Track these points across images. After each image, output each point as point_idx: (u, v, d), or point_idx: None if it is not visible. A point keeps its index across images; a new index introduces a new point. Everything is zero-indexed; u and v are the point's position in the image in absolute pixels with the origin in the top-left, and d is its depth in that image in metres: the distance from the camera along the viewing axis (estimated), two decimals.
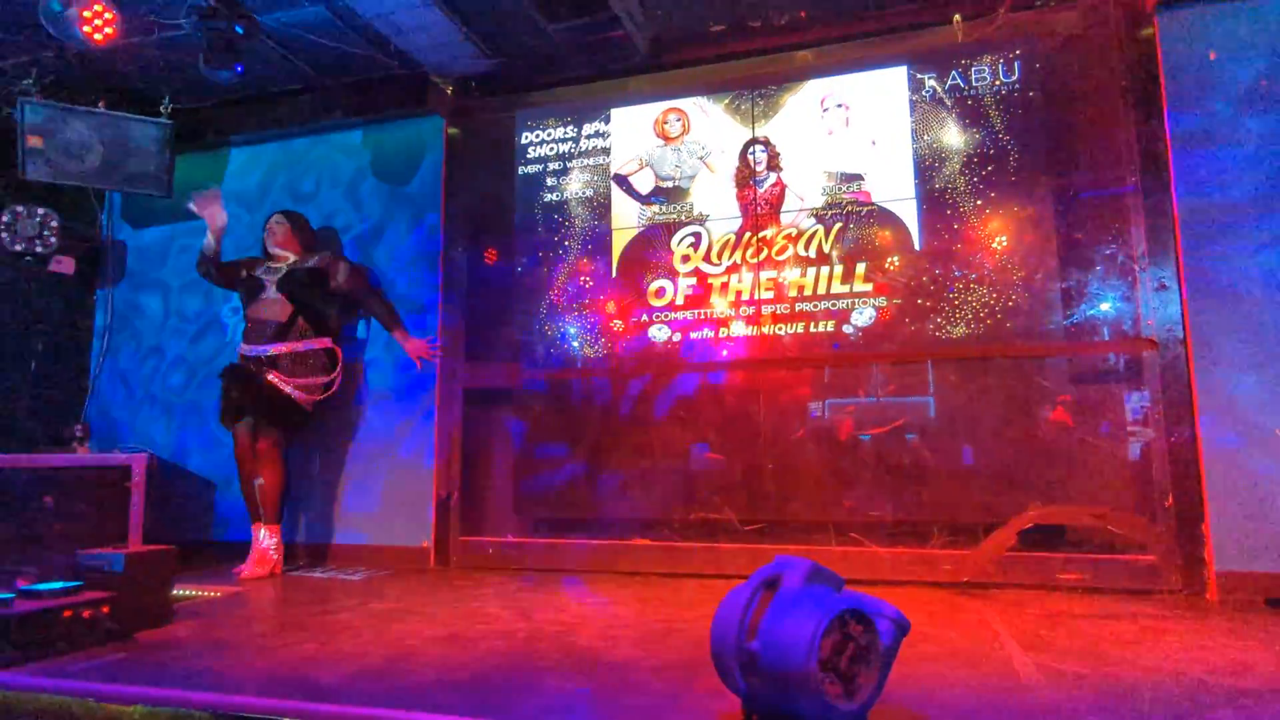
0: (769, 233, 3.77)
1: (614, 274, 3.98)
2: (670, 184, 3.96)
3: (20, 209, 4.26)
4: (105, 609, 2.33)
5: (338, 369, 3.96)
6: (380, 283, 4.27)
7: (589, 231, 4.05)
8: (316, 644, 2.35)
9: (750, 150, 3.87)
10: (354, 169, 4.45)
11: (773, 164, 3.83)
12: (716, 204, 3.87)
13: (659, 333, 3.86)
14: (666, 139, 4.01)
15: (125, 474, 3.93)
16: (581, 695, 1.90)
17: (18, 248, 4.27)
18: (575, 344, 3.99)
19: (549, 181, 4.16)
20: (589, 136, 4.13)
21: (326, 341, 3.92)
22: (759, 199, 3.82)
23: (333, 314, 4.00)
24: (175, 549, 2.69)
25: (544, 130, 4.21)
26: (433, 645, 2.33)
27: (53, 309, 4.60)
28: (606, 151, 4.08)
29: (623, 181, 4.04)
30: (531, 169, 4.21)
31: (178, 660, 2.21)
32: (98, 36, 3.41)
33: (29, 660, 2.10)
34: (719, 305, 3.79)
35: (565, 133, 4.17)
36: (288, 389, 3.77)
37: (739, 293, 3.77)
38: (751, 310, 3.75)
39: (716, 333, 3.79)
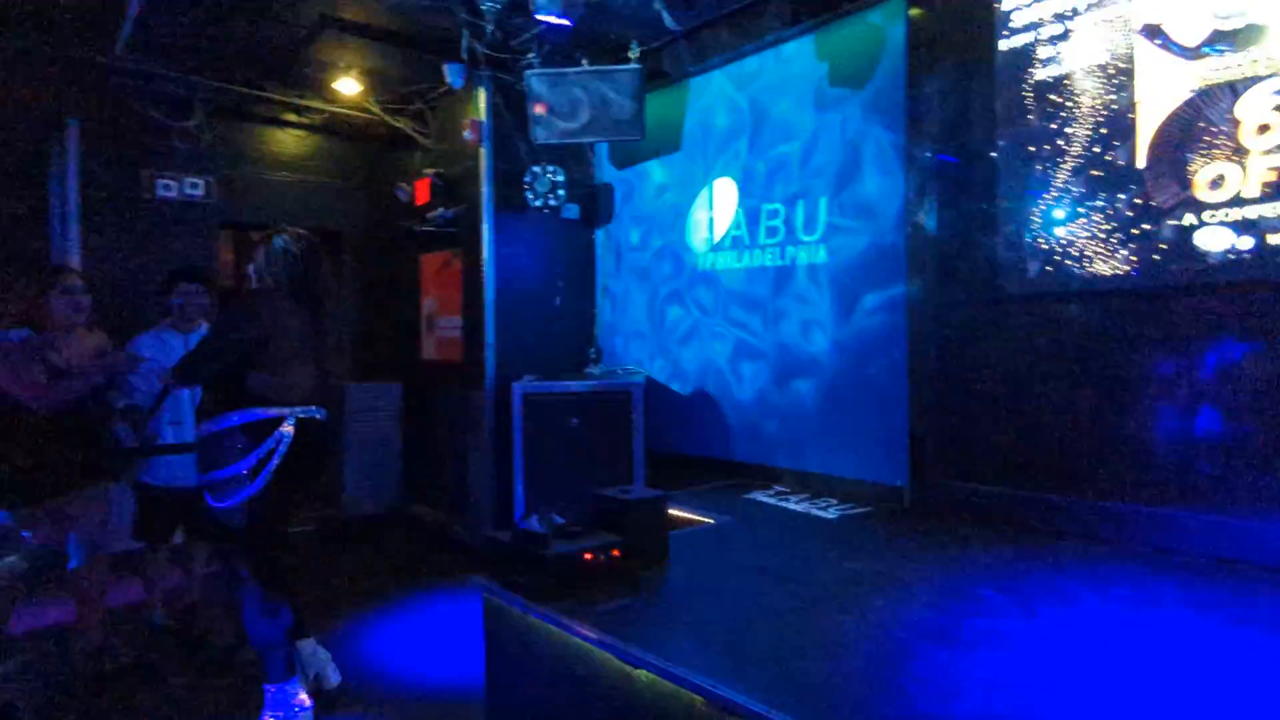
0: None
1: (1140, 162, 3.03)
2: (1236, 21, 2.79)
3: (537, 169, 4.98)
4: (615, 551, 2.61)
5: None
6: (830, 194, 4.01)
7: (1102, 110, 3.12)
8: (795, 632, 2.25)
9: None
10: (806, 77, 4.19)
11: None
12: None
13: (1213, 238, 2.84)
14: None
15: (628, 397, 4.49)
16: None
17: (538, 203, 5.03)
18: (1081, 258, 3.19)
19: (1042, 53, 3.30)
20: None
21: None
22: None
23: None
24: (665, 496, 2.90)
25: None
26: (920, 641, 2.10)
27: (566, 250, 5.39)
28: None
29: (1156, 33, 2.99)
30: (1018, 41, 3.38)
31: (675, 614, 2.35)
32: None
33: (560, 597, 2.38)
34: None
35: None
36: None
37: None
38: None
39: None
